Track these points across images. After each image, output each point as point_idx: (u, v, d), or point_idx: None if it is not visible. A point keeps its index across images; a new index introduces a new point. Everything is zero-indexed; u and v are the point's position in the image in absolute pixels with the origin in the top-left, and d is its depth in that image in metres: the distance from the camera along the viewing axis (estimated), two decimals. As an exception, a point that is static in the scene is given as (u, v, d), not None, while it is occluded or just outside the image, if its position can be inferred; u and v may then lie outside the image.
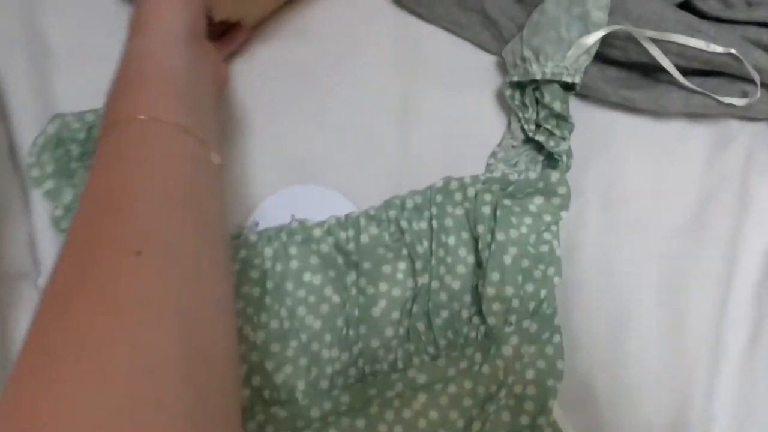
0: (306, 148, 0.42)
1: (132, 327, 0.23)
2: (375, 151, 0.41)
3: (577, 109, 0.40)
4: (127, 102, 0.29)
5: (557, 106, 0.38)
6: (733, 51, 0.37)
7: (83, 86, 0.36)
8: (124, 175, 0.27)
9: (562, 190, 0.38)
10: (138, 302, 0.24)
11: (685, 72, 0.39)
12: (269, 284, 0.38)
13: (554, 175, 0.38)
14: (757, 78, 0.38)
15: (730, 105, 0.39)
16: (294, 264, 0.38)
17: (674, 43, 0.38)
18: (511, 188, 0.38)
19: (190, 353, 0.24)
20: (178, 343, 0.24)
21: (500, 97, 0.42)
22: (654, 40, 0.38)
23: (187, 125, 0.29)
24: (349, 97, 0.42)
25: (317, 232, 0.38)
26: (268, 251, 0.38)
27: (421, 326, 0.38)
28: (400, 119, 0.42)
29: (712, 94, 0.39)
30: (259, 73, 0.43)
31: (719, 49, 0.38)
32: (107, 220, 0.26)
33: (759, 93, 0.38)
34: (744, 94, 0.39)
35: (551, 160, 0.39)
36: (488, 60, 0.43)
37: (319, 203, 0.40)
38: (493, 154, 0.41)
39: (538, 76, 0.38)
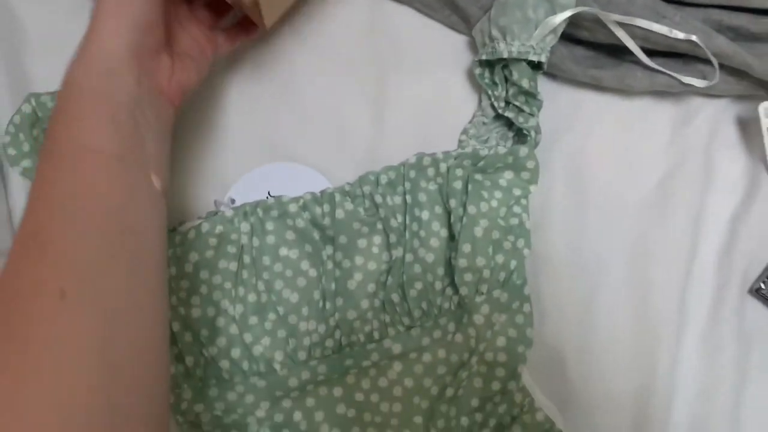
0: (280, 128, 0.42)
1: (46, 373, 0.23)
2: (349, 129, 0.42)
3: (545, 87, 0.41)
4: (63, 131, 0.29)
5: (525, 84, 0.39)
6: (694, 38, 0.39)
7: (57, 67, 0.36)
8: (51, 211, 0.27)
9: (530, 164, 0.39)
10: (55, 346, 0.23)
11: (651, 53, 0.41)
12: (246, 258, 0.38)
13: (523, 150, 0.39)
14: (715, 63, 0.39)
15: (690, 85, 0.40)
16: (270, 239, 0.39)
17: (640, 27, 0.39)
18: (482, 163, 0.39)
19: (111, 400, 0.24)
20: (97, 388, 0.24)
21: (471, 75, 0.43)
22: (621, 24, 0.40)
23: (123, 153, 0.29)
24: (323, 76, 0.43)
25: (293, 208, 0.39)
26: (245, 226, 0.39)
27: (395, 297, 0.39)
28: (373, 98, 0.43)
29: (675, 75, 0.40)
30: (233, 55, 0.43)
31: (681, 36, 0.39)
32: (32, 261, 0.25)
33: (717, 76, 0.40)
34: (705, 75, 0.41)
35: (521, 136, 0.41)
36: (460, 40, 0.44)
37: (294, 180, 0.41)
38: (465, 131, 0.42)
39: (505, 55, 0.39)
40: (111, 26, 0.30)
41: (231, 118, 0.43)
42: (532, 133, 0.39)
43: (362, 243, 0.40)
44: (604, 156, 0.42)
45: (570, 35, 0.41)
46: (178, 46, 0.36)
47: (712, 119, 0.42)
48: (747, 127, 0.42)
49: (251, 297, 0.38)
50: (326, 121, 0.43)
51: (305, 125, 0.43)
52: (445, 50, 0.43)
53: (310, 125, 0.43)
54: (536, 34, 0.39)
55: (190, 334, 0.38)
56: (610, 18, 0.39)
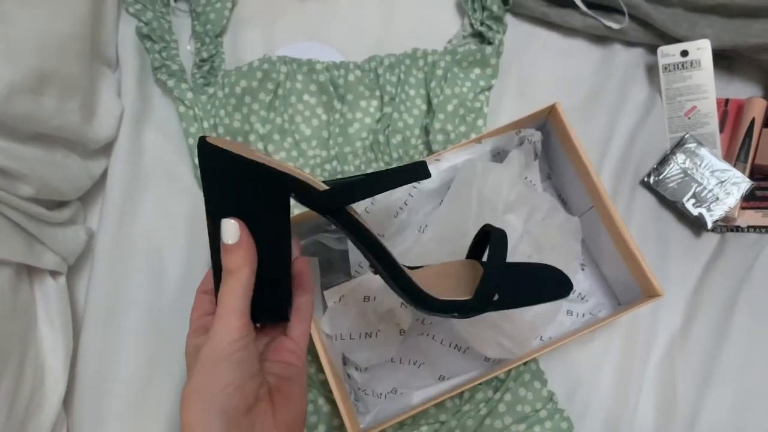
0: (316, 19, 0.58)
1: None
2: (366, 26, 0.58)
3: (510, 22, 0.57)
4: None
5: (495, 9, 0.55)
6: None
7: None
8: None
9: (493, 60, 0.54)
10: None
11: (589, 5, 0.57)
12: (279, 91, 0.53)
13: (488, 49, 0.54)
14: (625, 10, 0.55)
15: (610, 28, 0.56)
16: (298, 85, 0.54)
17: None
18: (458, 56, 0.54)
19: None
20: None
21: (459, 3, 0.59)
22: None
23: None
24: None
25: (319, 67, 0.54)
26: (283, 68, 0.53)
27: (381, 138, 0.53)
28: (387, 5, 0.59)
29: (600, 18, 0.56)
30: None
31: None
32: None
33: (627, 20, 0.56)
34: (620, 22, 0.57)
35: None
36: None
37: (322, 55, 0.56)
38: (449, 41, 0.57)
39: (482, -9, 0.55)
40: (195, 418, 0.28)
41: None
42: (496, 41, 0.55)
43: (363, 103, 0.54)
44: (545, 75, 0.57)
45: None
46: (273, 378, 0.32)
47: (627, 60, 0.58)
48: (652, 67, 0.57)
49: (278, 120, 0.52)
50: (350, 18, 0.58)
51: (334, 19, 0.58)
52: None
53: (338, 20, 0.58)
54: (506, -23, 0.55)
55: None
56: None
